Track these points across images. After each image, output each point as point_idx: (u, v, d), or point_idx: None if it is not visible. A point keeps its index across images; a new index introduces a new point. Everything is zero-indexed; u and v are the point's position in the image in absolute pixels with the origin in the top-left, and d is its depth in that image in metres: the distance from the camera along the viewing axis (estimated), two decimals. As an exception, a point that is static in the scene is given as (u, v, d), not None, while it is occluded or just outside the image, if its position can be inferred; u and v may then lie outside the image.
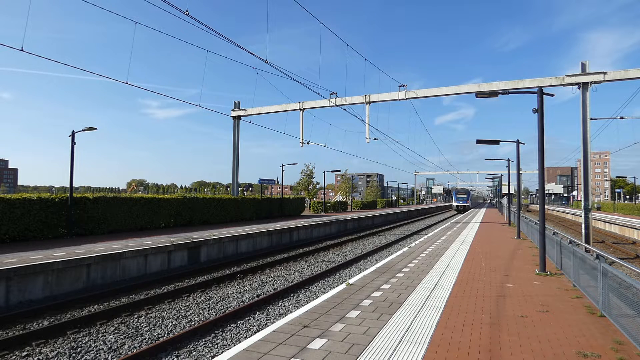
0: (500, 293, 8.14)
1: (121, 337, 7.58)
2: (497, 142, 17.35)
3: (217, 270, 14.18)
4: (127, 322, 8.40)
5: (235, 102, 30.92)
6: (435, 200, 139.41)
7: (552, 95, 11.44)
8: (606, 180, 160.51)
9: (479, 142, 16.73)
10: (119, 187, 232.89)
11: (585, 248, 10.04)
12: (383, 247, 20.90)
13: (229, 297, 10.61)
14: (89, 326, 8.07)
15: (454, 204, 72.72)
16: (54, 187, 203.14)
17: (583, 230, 19.67)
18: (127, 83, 14.79)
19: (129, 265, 12.50)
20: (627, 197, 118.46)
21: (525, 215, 24.80)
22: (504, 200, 49.68)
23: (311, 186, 54.26)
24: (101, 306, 9.53)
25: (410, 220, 47.27)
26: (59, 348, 6.98)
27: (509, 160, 26.07)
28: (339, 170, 54.14)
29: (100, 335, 7.67)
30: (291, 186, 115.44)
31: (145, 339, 7.55)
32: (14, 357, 6.64)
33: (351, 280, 9.20)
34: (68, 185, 17.05)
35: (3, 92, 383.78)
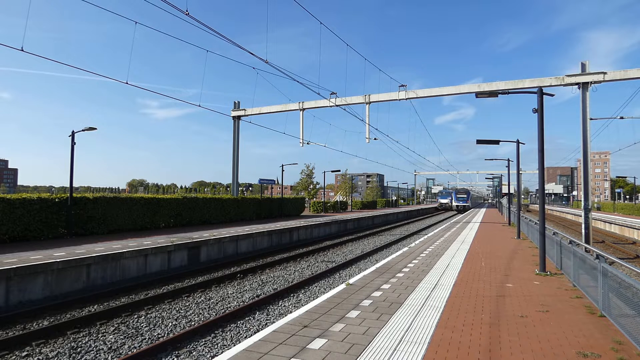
0: (500, 293, 8.14)
1: (121, 337, 7.58)
2: (497, 142, 17.35)
3: (217, 270, 14.18)
4: (127, 322, 8.40)
5: (235, 102, 30.93)
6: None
7: (552, 95, 11.45)
8: (606, 180, 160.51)
9: (479, 142, 16.73)
10: (118, 187, 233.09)
11: (585, 248, 10.03)
12: (383, 247, 20.90)
13: (229, 297, 10.61)
14: (89, 326, 8.07)
15: (454, 204, 72.70)
16: (54, 187, 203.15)
17: (583, 230, 19.67)
18: (127, 83, 14.81)
19: (129, 265, 12.50)
20: (627, 197, 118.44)
21: (525, 215, 24.80)
22: (504, 200, 49.66)
23: (311, 186, 54.26)
24: (101, 306, 9.52)
25: (410, 220, 47.27)
26: (59, 348, 6.98)
27: (509, 160, 26.06)
28: (339, 170, 54.16)
29: (100, 335, 7.67)
30: (291, 186, 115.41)
31: (145, 339, 7.55)
32: (14, 357, 6.64)
33: (351, 280, 9.20)
34: (68, 185, 17.04)
35: (3, 92, 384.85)
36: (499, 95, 11.89)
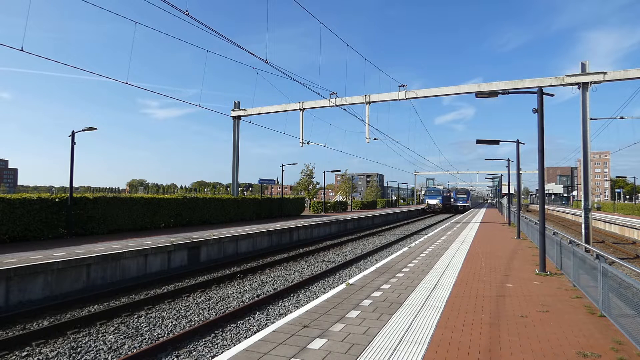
0: (500, 293, 8.14)
1: (121, 337, 7.58)
2: (497, 142, 17.35)
3: (217, 270, 14.18)
4: (127, 322, 8.40)
5: (235, 102, 30.93)
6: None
7: (552, 95, 11.45)
8: (606, 180, 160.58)
9: (479, 142, 16.73)
10: (118, 187, 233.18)
11: (585, 248, 10.03)
12: (383, 247, 20.90)
13: (229, 297, 10.61)
14: (89, 326, 8.07)
15: (455, 204, 70.67)
16: (54, 187, 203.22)
17: (583, 230, 19.67)
18: (127, 83, 14.80)
19: (129, 265, 12.50)
20: (627, 197, 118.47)
21: (525, 215, 24.80)
22: (504, 200, 49.65)
23: (311, 186, 54.27)
24: (101, 306, 9.53)
25: (410, 220, 47.26)
26: (59, 348, 6.98)
27: (509, 160, 26.07)
28: (339, 170, 54.17)
29: (100, 335, 7.67)
30: (291, 186, 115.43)
31: (145, 339, 7.55)
32: (14, 357, 6.64)
33: (351, 280, 9.20)
34: (68, 185, 17.05)
35: (3, 92, 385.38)
36: (499, 95, 11.89)
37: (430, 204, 63.71)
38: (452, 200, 71.05)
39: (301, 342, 5.31)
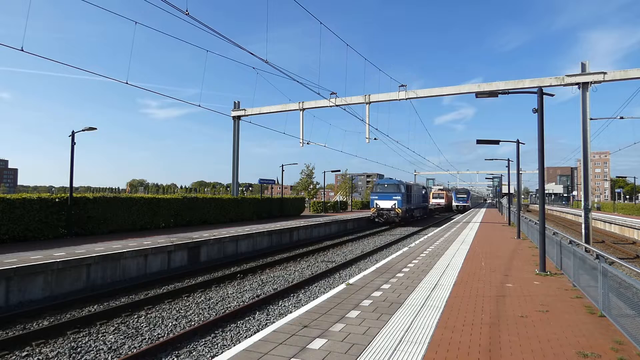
0: (500, 293, 8.14)
1: (121, 337, 7.58)
2: (497, 142, 17.36)
3: (217, 270, 14.18)
4: (127, 322, 8.40)
5: (235, 102, 30.94)
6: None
7: (552, 95, 11.45)
8: (606, 180, 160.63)
9: (479, 142, 16.74)
10: (118, 187, 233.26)
11: (585, 248, 10.04)
12: (383, 247, 20.89)
13: (229, 297, 10.61)
14: (89, 326, 8.07)
15: (454, 204, 71.40)
16: (54, 187, 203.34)
17: (583, 230, 19.67)
18: (127, 83, 14.79)
19: (129, 265, 12.50)
20: (627, 197, 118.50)
21: (525, 215, 24.81)
22: (504, 200, 49.62)
23: (311, 186, 54.27)
24: (101, 306, 9.53)
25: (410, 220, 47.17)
26: (59, 348, 6.98)
27: (509, 160, 26.09)
28: (339, 170, 54.26)
29: (100, 335, 7.67)
30: (291, 186, 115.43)
31: (145, 339, 7.55)
32: (14, 357, 6.64)
33: (351, 280, 9.20)
34: (68, 185, 17.05)
35: (3, 92, 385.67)
36: (499, 95, 11.89)
37: (382, 209, 33.71)
38: (424, 199, 46.72)
39: (301, 342, 5.31)
